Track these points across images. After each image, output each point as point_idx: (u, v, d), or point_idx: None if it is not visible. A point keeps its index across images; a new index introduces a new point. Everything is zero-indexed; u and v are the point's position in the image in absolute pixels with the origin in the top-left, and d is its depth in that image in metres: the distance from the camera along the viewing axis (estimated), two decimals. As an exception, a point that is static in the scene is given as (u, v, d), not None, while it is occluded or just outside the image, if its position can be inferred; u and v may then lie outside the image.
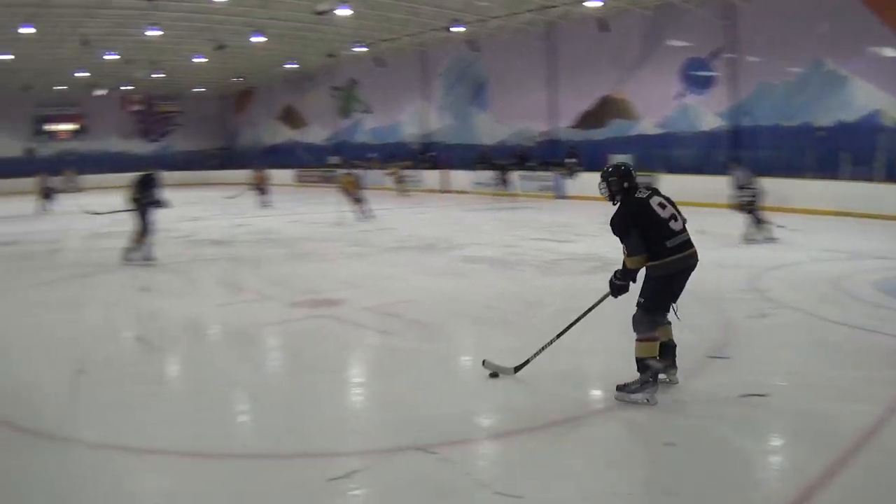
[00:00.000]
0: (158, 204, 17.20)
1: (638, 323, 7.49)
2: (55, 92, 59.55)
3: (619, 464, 6.11)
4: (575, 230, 21.91)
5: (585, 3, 32.43)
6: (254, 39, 39.33)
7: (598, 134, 37.25)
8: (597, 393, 7.92)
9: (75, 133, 63.91)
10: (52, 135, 63.26)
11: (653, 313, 7.50)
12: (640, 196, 7.60)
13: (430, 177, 43.58)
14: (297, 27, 40.18)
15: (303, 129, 59.47)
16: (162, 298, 13.57)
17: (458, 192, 40.32)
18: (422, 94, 47.44)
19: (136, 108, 66.31)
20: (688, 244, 7.51)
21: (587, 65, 37.19)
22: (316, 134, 57.96)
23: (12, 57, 43.43)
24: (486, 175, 38.99)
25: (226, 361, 9.32)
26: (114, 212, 18.62)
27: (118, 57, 44.84)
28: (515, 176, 35.72)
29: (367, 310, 11.64)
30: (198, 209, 33.07)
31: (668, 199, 7.66)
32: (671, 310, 7.66)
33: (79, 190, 54.47)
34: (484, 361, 8.40)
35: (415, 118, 48.44)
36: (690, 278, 7.45)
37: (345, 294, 12.86)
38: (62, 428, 7.12)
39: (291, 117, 60.62)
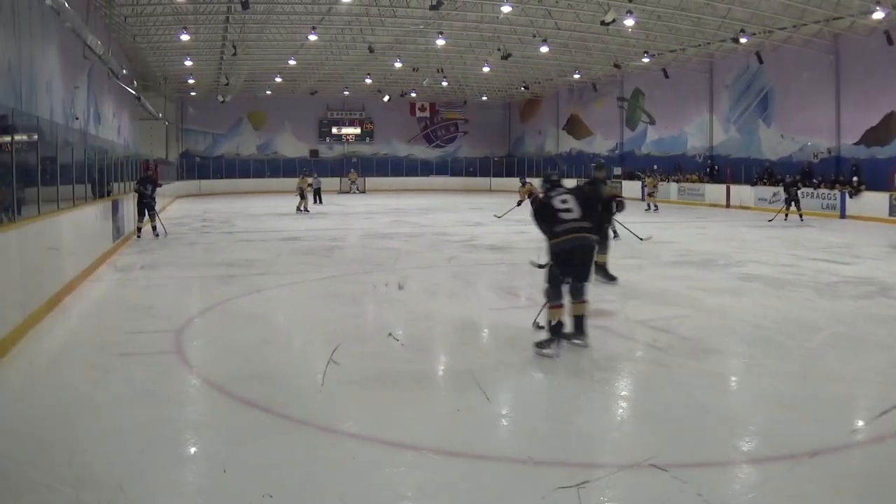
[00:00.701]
0: (619, 206, 15.07)
1: (545, 294, 9.57)
2: (342, 96, 61.66)
3: (871, 499, 5.69)
4: (855, 251, 20.96)
5: (872, 15, 31.30)
6: (539, 49, 39.70)
7: (882, 151, 35.58)
8: (860, 423, 7.34)
9: (360, 136, 65.75)
10: (338, 137, 65.31)
11: (552, 285, 9.45)
12: (549, 194, 9.86)
13: (713, 190, 42.80)
14: (583, 37, 40.45)
15: (587, 138, 59.62)
16: (434, 300, 13.90)
17: (740, 206, 39.52)
18: (706, 106, 46.69)
19: (421, 114, 67.77)
20: (574, 230, 9.37)
21: (873, 78, 35.64)
22: (600, 144, 58.08)
23: (294, 63, 45.28)
24: (769, 191, 38.01)
25: (487, 364, 9.17)
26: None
27: (402, 65, 46.09)
28: (801, 193, 34.44)
29: (638, 322, 11.33)
30: (479, 215, 33.50)
31: (581, 198, 9.72)
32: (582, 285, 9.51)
33: (362, 191, 56.24)
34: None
35: (698, 130, 47.72)
36: None
37: (617, 305, 12.59)
38: (319, 416, 7.26)
39: (576, 127, 60.97)
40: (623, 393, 8.40)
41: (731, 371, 9.30)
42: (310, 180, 39.60)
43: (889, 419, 7.11)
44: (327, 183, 49.43)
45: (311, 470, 6.01)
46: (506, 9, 32.76)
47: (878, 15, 30.86)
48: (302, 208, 36.69)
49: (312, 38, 37.49)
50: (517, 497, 5.64)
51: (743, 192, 40.61)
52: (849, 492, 5.75)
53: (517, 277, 15.96)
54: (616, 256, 18.64)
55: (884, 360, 9.46)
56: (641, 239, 21.13)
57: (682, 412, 7.48)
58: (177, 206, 42.17)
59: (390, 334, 10.74)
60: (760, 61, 40.99)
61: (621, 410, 7.90)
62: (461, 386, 8.26)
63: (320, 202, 42.03)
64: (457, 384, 8.52)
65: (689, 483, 5.72)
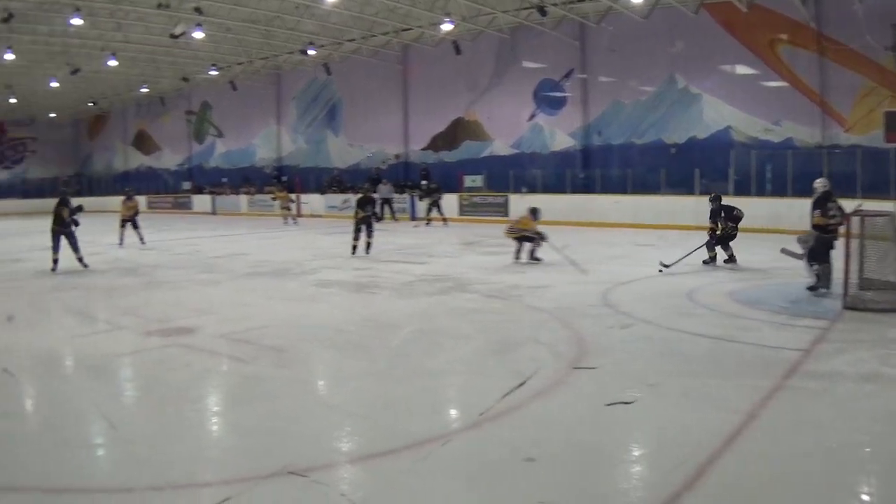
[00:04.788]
0: None
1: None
2: None
3: (482, 481, 5.98)
4: (428, 251, 21.98)
5: (441, 26, 32.63)
6: (108, 63, 38.75)
7: (450, 156, 37.84)
8: (454, 412, 7.92)
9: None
10: None
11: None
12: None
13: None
14: (152, 51, 39.73)
15: (155, 153, 58.64)
16: (15, 330, 12.63)
17: (311, 215, 40.10)
18: (274, 118, 47.50)
19: (-12, 134, 64.79)
20: None
21: (441, 87, 37.69)
22: (168, 159, 57.34)
23: None
24: (339, 198, 39.31)
25: (80, 394, 8.79)
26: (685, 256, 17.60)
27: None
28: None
29: (221, 337, 11.31)
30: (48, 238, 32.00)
31: None
32: None
33: None
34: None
35: (267, 142, 48.39)
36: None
37: (198, 322, 12.42)
38: None
39: (144, 142, 59.80)
40: (220, 409, 8.36)
41: (317, 376, 9.56)
42: None
43: (480, 406, 7.52)
44: None
45: None
46: (76, 21, 31.53)
47: (447, 26, 32.25)
48: None
49: None
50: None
51: (313, 201, 41.69)
52: (451, 474, 6.10)
53: (94, 301, 15.32)
54: (192, 272, 18.51)
55: (467, 351, 9.89)
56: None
57: (284, 421, 7.48)
58: None
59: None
60: (328, 72, 41.81)
61: (227, 427, 7.73)
62: (60, 418, 7.75)
63: None
64: (55, 416, 7.89)
65: (331, 485, 5.87)
